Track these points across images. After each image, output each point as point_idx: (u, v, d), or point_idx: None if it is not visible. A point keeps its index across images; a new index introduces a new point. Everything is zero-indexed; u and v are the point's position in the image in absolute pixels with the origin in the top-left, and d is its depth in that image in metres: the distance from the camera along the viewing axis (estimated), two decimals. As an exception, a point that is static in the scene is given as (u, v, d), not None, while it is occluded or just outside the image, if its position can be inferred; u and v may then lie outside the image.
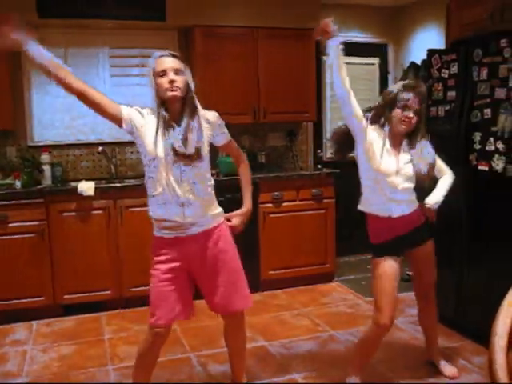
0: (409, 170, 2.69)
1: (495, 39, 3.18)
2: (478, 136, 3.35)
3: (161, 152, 2.32)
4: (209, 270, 2.50)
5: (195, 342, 3.60)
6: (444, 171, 2.90)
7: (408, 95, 2.63)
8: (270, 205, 4.62)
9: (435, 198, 2.83)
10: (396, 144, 2.71)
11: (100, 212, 4.15)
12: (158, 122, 2.34)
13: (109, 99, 2.41)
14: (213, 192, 2.54)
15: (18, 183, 4.15)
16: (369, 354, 2.88)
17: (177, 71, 2.34)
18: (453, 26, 3.80)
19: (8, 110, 4.30)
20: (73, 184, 4.27)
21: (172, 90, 2.32)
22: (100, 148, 4.69)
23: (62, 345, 3.62)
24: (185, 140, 2.33)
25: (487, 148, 3.28)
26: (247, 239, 4.59)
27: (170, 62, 2.34)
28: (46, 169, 4.35)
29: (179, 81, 2.34)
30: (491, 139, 3.24)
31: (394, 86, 2.79)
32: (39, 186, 4.21)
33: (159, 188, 2.36)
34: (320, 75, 5.35)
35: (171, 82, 2.31)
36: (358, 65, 5.57)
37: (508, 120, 3.11)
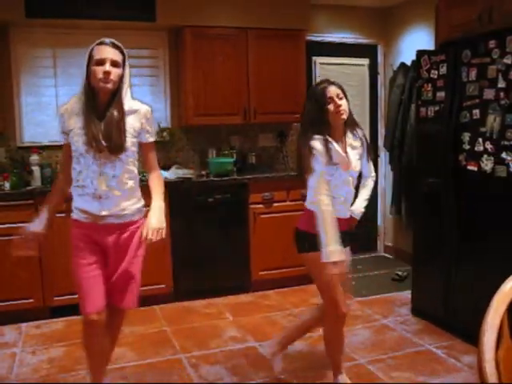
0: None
1: (484, 40, 3.20)
2: (466, 136, 3.37)
3: (82, 144, 2.34)
4: (114, 259, 2.48)
5: (186, 343, 3.59)
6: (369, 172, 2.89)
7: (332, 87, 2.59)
8: (261, 205, 4.62)
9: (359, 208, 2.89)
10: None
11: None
12: (83, 114, 2.35)
13: (65, 167, 2.52)
14: (135, 185, 2.50)
15: (6, 184, 4.11)
16: (340, 347, 2.88)
17: (115, 63, 2.33)
18: (442, 27, 3.82)
19: (-4, 111, 4.27)
20: (62, 185, 4.24)
21: (105, 82, 2.30)
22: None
23: (51, 347, 3.60)
24: (106, 132, 2.32)
25: (476, 148, 3.30)
26: (238, 240, 4.60)
27: (109, 53, 2.33)
28: (36, 170, 4.32)
29: (114, 73, 2.32)
30: (480, 140, 3.26)
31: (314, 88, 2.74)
32: (28, 187, 4.18)
33: (80, 179, 2.39)
34: (310, 75, 5.36)
35: (107, 73, 2.29)
36: (347, 65, 5.58)
37: (496, 120, 3.13)
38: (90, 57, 2.33)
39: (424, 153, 3.82)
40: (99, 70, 2.29)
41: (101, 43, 2.35)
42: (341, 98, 2.57)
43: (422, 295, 3.91)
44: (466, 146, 3.38)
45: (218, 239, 4.50)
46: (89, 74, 2.33)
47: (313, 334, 3.71)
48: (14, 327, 3.95)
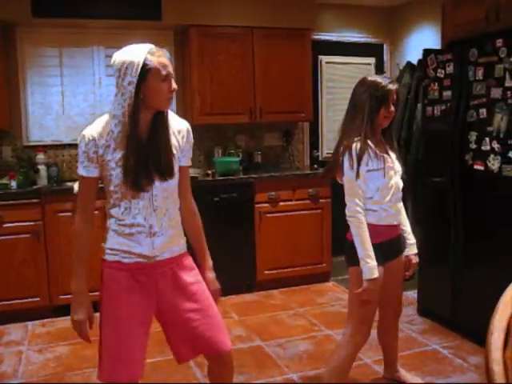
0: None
1: (491, 39, 3.19)
2: (473, 136, 3.36)
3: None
4: (171, 302, 2.04)
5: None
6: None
7: (394, 86, 2.49)
8: (266, 205, 4.61)
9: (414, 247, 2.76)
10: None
11: (96, 212, 4.11)
12: (127, 140, 1.87)
13: (89, 204, 2.08)
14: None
15: (13, 183, 4.13)
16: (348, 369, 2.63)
17: (174, 76, 1.97)
18: (448, 26, 3.81)
19: (4, 110, 4.29)
20: (69, 184, 4.25)
21: (171, 98, 1.95)
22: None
23: (57, 345, 3.61)
24: (155, 159, 1.93)
25: (483, 148, 3.28)
26: (243, 239, 4.60)
27: (170, 66, 1.94)
28: (42, 169, 4.33)
29: (176, 88, 1.97)
30: (487, 139, 3.24)
31: (374, 79, 2.51)
32: (35, 187, 4.20)
33: (125, 218, 1.98)
34: (316, 75, 5.35)
35: (173, 91, 1.93)
36: (353, 64, 5.57)
37: (503, 120, 3.11)
38: (150, 71, 1.86)
39: (430, 152, 3.80)
40: (166, 88, 1.90)
41: (159, 55, 1.92)
42: (395, 105, 2.48)
43: (429, 295, 3.89)
44: (473, 146, 3.36)
45: (223, 238, 4.50)
46: (147, 95, 1.87)
47: (317, 333, 3.71)
48: (21, 325, 3.97)
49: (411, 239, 2.74)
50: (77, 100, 4.70)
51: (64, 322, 4.02)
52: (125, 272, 1.98)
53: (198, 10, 4.59)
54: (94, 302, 2.02)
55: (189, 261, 2.12)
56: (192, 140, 2.13)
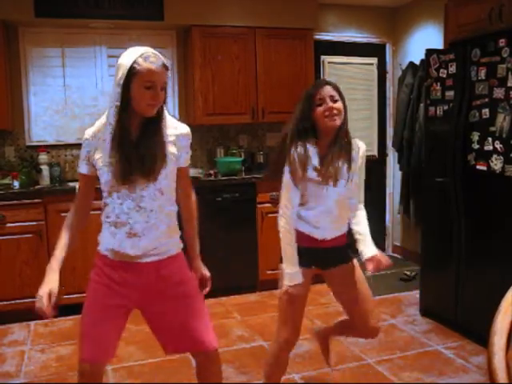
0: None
1: (493, 39, 3.18)
2: (476, 136, 3.35)
3: (112, 176, 1.95)
4: (157, 303, 2.10)
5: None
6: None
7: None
8: (268, 205, 4.61)
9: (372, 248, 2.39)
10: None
11: (98, 212, 4.12)
12: (115, 140, 1.91)
13: (83, 199, 2.14)
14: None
15: (16, 183, 4.14)
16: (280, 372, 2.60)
17: (164, 85, 1.93)
18: (451, 26, 3.80)
19: (6, 110, 4.29)
20: (71, 184, 4.27)
21: (153, 107, 1.92)
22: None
23: (60, 345, 3.62)
24: (142, 159, 1.93)
25: (485, 148, 3.28)
26: (246, 239, 4.60)
27: (162, 75, 1.90)
28: (44, 169, 4.34)
29: (162, 97, 1.94)
30: (489, 139, 3.24)
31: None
32: (37, 186, 4.21)
33: (111, 216, 2.03)
34: (319, 75, 5.34)
35: (156, 100, 1.90)
36: (356, 65, 5.56)
37: (506, 120, 3.11)
38: (134, 75, 1.86)
39: (433, 152, 3.80)
40: (148, 95, 1.87)
41: (149, 62, 1.87)
42: (335, 101, 2.26)
43: (431, 295, 3.89)
44: (476, 146, 3.36)
45: (225, 238, 4.50)
46: (128, 94, 1.88)
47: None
48: (23, 325, 3.98)
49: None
50: (79, 100, 4.71)
51: (67, 322, 4.02)
52: (110, 267, 2.04)
53: (200, 10, 4.59)
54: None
55: (179, 260, 2.14)
56: (189, 142, 2.10)
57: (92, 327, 2.04)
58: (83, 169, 2.05)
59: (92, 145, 1.98)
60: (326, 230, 2.36)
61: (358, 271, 2.48)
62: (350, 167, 2.32)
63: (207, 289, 2.23)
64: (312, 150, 2.29)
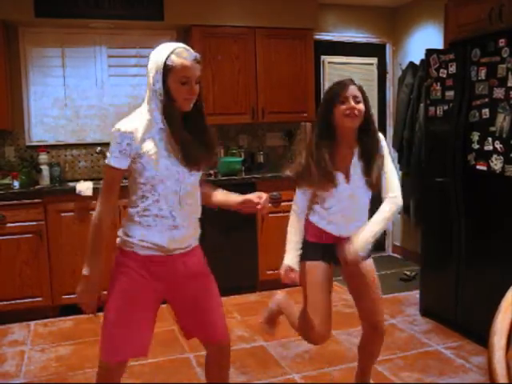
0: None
1: (493, 39, 3.18)
2: (476, 136, 3.35)
3: (164, 168, 1.96)
4: (182, 292, 2.18)
5: (194, 343, 3.56)
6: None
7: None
8: (269, 205, 4.59)
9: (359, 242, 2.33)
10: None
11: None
12: (160, 134, 1.96)
13: (113, 195, 2.03)
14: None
15: (16, 183, 4.14)
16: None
17: (198, 79, 1.99)
18: (451, 26, 3.80)
19: (6, 110, 4.29)
20: (71, 184, 4.26)
21: (190, 100, 1.99)
22: (98, 148, 4.69)
23: (59, 345, 3.61)
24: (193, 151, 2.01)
25: (485, 148, 3.28)
26: (245, 239, 4.60)
27: (195, 69, 1.96)
28: (45, 169, 4.34)
29: (197, 91, 2.00)
30: (489, 139, 3.24)
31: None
32: (37, 186, 4.21)
33: (153, 209, 2.02)
34: (319, 75, 5.35)
35: (193, 94, 1.98)
36: (356, 65, 5.56)
37: (506, 120, 3.11)
38: (167, 69, 1.93)
39: (433, 152, 3.79)
40: (183, 90, 1.94)
41: (184, 57, 1.95)
42: (358, 102, 2.27)
43: (431, 295, 3.89)
44: (476, 146, 3.36)
45: (225, 239, 4.50)
46: (167, 89, 1.94)
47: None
48: (23, 325, 3.97)
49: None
50: (79, 100, 4.71)
51: (66, 322, 4.02)
52: (138, 262, 2.04)
53: (200, 10, 4.59)
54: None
55: (199, 253, 2.22)
56: None
57: (128, 325, 2.05)
58: (121, 163, 1.95)
59: (133, 138, 1.93)
60: (342, 227, 2.44)
61: (372, 268, 2.63)
62: (369, 165, 2.35)
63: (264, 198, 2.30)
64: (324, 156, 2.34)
